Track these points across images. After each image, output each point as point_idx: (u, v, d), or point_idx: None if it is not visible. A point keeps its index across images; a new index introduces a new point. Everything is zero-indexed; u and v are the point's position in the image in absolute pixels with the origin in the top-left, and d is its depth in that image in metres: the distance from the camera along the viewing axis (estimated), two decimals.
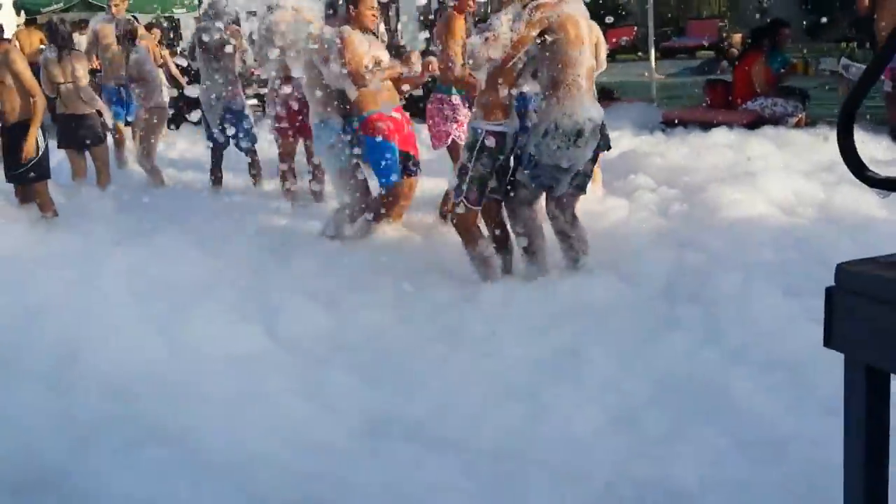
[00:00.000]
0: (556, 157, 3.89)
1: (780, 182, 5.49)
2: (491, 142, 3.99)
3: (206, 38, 6.40)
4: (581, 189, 4.15)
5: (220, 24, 6.42)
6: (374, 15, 4.89)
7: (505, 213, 4.25)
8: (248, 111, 6.82)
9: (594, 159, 4.14)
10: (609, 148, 4.35)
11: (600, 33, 4.21)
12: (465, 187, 4.05)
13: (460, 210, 4.08)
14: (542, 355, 3.34)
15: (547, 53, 3.88)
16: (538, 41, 3.88)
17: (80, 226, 5.44)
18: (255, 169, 6.86)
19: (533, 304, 3.81)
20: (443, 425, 2.85)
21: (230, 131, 6.56)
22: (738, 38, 14.59)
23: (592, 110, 3.93)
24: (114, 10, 7.97)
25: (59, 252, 4.67)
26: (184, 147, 8.95)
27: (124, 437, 2.75)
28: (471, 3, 4.70)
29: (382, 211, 5.03)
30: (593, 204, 4.94)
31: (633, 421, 2.83)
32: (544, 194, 4.13)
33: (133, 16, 8.66)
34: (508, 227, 4.27)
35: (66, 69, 6.66)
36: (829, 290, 1.27)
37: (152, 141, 7.25)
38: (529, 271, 4.19)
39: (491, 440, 2.75)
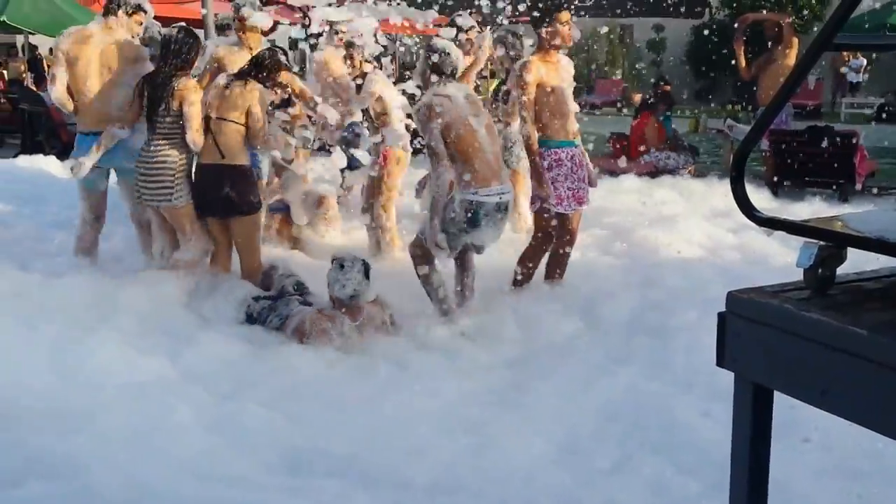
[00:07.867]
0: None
1: (695, 226, 5.63)
2: None
3: None
4: None
5: None
6: None
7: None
8: None
9: None
10: None
11: None
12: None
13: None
14: (487, 390, 3.15)
15: None
16: None
17: None
18: None
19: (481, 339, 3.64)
20: (374, 461, 2.58)
21: None
22: (637, 97, 15.22)
23: None
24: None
25: None
26: None
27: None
28: None
29: None
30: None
31: (579, 451, 2.67)
32: None
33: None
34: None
35: None
36: (720, 315, 1.31)
37: None
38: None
39: (427, 475, 2.51)
